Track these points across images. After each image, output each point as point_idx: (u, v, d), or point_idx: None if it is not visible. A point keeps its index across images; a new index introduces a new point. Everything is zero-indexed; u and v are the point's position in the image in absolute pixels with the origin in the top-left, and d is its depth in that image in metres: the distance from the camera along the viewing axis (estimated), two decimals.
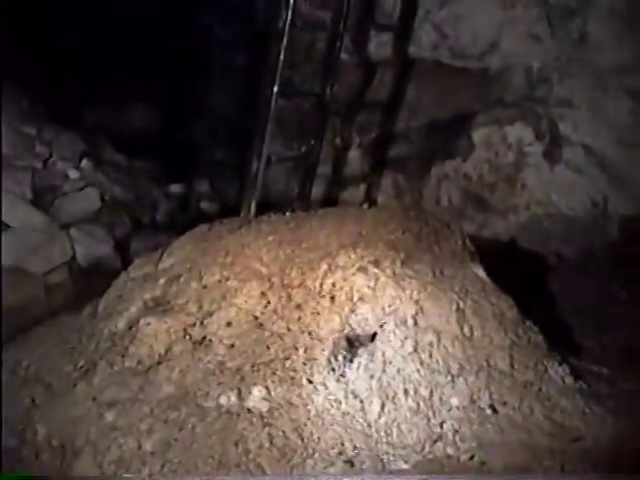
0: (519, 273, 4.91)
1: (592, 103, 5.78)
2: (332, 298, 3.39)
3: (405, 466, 2.84)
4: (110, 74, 10.01)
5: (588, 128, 5.80)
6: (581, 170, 5.81)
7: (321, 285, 3.44)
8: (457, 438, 2.94)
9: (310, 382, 3.11)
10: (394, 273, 3.41)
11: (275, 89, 4.31)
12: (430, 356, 3.17)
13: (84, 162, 6.51)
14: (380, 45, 6.22)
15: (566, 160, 5.83)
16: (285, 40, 4.23)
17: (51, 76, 8.90)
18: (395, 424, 2.99)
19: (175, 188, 7.18)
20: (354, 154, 6.35)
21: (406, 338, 3.20)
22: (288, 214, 4.18)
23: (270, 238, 3.78)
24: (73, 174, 6.16)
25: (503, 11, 5.88)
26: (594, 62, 5.76)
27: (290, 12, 4.18)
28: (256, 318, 3.41)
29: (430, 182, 6.02)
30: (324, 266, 3.49)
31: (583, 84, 5.81)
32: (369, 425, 2.99)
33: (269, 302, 3.45)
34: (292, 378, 3.12)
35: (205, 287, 3.60)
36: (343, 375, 3.12)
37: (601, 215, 5.75)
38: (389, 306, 3.31)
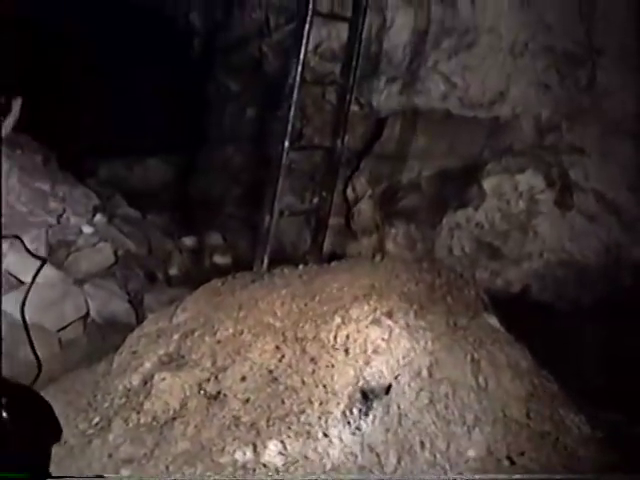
0: (533, 321, 4.88)
1: (602, 150, 5.80)
2: (346, 351, 3.38)
3: None
4: (124, 128, 10.15)
5: (599, 175, 5.80)
6: (593, 217, 5.80)
7: (335, 338, 3.43)
8: None
9: (326, 436, 3.09)
10: (408, 325, 3.41)
11: (286, 144, 4.33)
12: (446, 407, 3.15)
13: (98, 217, 6.54)
14: (390, 96, 6.27)
15: (578, 207, 5.83)
16: (295, 95, 4.26)
17: (64, 131, 9.03)
18: (412, 477, 2.96)
19: (188, 241, 7.20)
20: (366, 205, 6.37)
21: (421, 390, 3.19)
22: (301, 267, 4.18)
23: (283, 292, 3.78)
24: (87, 229, 6.19)
25: (511, 60, 5.93)
26: (603, 109, 5.78)
27: (300, 68, 4.21)
28: (270, 372, 3.39)
29: (442, 231, 6.02)
30: (337, 319, 3.49)
31: (593, 131, 5.83)
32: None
33: (283, 356, 3.44)
34: (307, 432, 3.10)
35: (219, 342, 3.59)
36: (359, 428, 3.11)
37: (614, 261, 5.73)
38: (403, 358, 3.30)
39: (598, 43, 5.76)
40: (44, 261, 4.97)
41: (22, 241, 5.10)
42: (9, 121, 5.21)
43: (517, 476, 2.79)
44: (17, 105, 6.16)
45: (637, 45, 5.60)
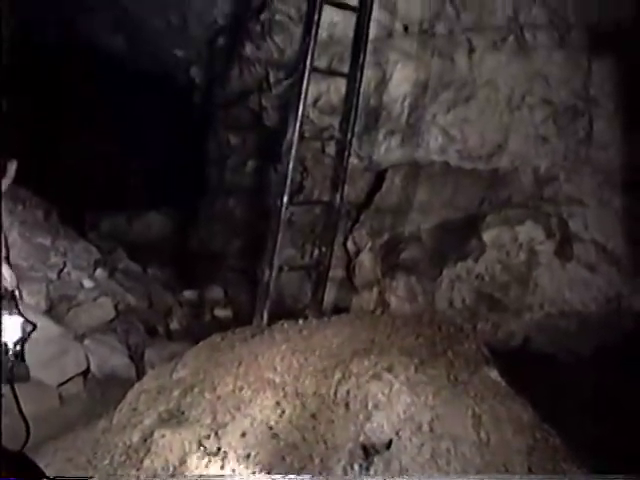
0: (535, 373, 4.86)
1: (601, 201, 5.82)
2: (346, 406, 3.36)
3: None
4: (125, 183, 10.22)
5: (598, 225, 5.82)
6: (593, 267, 5.80)
7: (335, 393, 3.41)
8: None
9: None
10: (408, 379, 3.39)
11: (285, 199, 4.35)
12: (447, 463, 3.12)
13: (98, 271, 6.56)
14: (389, 149, 6.31)
15: (578, 257, 5.83)
16: (294, 151, 4.29)
17: (65, 186, 9.08)
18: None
19: (189, 295, 7.21)
20: (366, 257, 6.37)
21: (422, 445, 3.16)
22: (301, 322, 4.17)
23: (283, 347, 3.77)
24: (87, 283, 6.20)
25: (509, 113, 5.98)
26: (600, 160, 5.81)
27: (298, 124, 4.25)
28: (271, 428, 3.37)
29: (443, 283, 6.01)
30: (338, 374, 3.47)
31: (591, 182, 5.85)
32: None
33: (283, 411, 3.42)
34: None
35: (219, 398, 3.57)
36: None
37: (615, 311, 5.72)
38: (404, 413, 3.28)
39: (595, 95, 5.80)
40: (34, 327, 4.95)
41: (16, 302, 5.08)
42: (4, 183, 5.25)
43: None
44: (12, 168, 6.22)
45: (632, 96, 5.64)
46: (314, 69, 4.43)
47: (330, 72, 5.96)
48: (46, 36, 9.39)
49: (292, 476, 2.97)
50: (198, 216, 8.93)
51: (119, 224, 9.57)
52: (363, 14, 4.80)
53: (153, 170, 10.48)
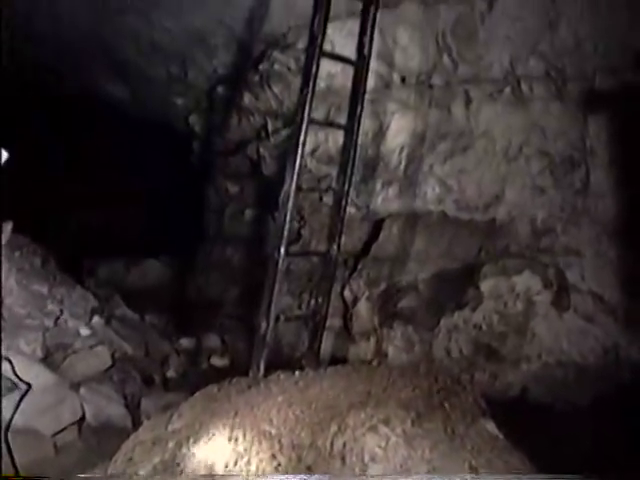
0: (532, 424, 4.84)
1: (597, 251, 5.82)
2: (343, 459, 3.34)
3: None
4: (123, 229, 10.24)
5: (595, 276, 5.81)
6: (590, 317, 5.78)
7: (331, 445, 3.40)
8: None
9: None
10: (405, 432, 3.38)
11: (282, 250, 4.35)
12: None
13: (95, 319, 6.54)
14: (386, 199, 6.34)
15: (575, 308, 5.82)
16: (291, 202, 4.30)
17: (63, 233, 9.10)
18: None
19: (186, 343, 7.19)
20: (363, 307, 6.36)
21: None
22: (297, 373, 4.17)
23: (279, 398, 3.76)
24: (84, 331, 6.18)
25: (506, 164, 6.01)
26: (597, 211, 5.83)
27: (295, 176, 4.27)
28: None
29: (440, 333, 6.00)
30: (334, 426, 3.46)
31: (588, 233, 5.86)
32: None
33: (279, 464, 3.40)
34: None
35: (215, 449, 3.56)
36: None
37: (613, 362, 5.70)
38: (401, 466, 3.26)
39: (592, 146, 5.83)
40: (29, 386, 4.95)
41: (11, 363, 5.08)
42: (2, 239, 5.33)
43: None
44: (8, 229, 6.28)
45: (628, 147, 5.68)
46: (311, 121, 4.45)
47: (328, 124, 6.02)
48: (45, 84, 9.47)
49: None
50: (196, 263, 8.94)
51: (117, 271, 9.56)
52: (361, 66, 4.83)
53: (151, 217, 10.52)
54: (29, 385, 4.97)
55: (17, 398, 4.86)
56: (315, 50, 4.37)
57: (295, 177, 4.28)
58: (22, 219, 6.69)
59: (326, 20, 4.42)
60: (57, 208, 10.39)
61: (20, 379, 4.99)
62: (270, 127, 7.16)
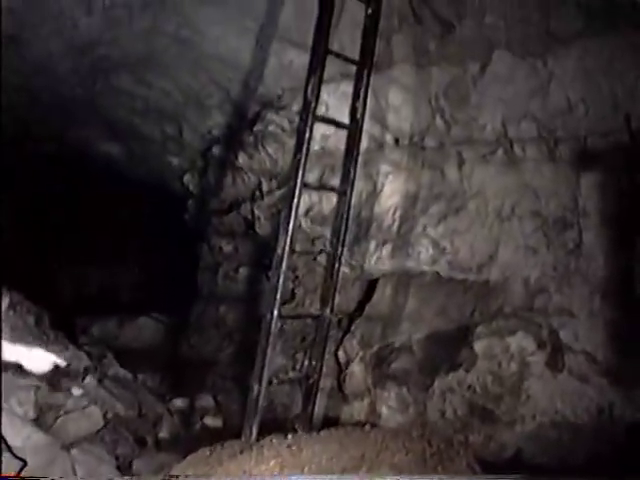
0: None
1: (591, 311, 5.82)
2: None
3: None
4: (117, 287, 10.24)
5: (589, 336, 5.81)
6: (585, 378, 5.78)
7: None
8: None
9: None
10: None
11: (275, 313, 4.35)
12: None
13: (88, 379, 6.51)
14: (380, 259, 6.35)
15: (569, 368, 5.82)
16: (284, 265, 4.31)
17: (57, 290, 9.10)
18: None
19: (179, 403, 7.15)
20: (357, 367, 6.35)
21: None
22: (290, 436, 4.14)
23: (272, 463, 3.74)
24: (76, 391, 6.15)
25: (499, 225, 6.04)
26: (590, 271, 5.84)
27: (289, 240, 4.29)
28: None
29: (434, 394, 5.98)
30: None
31: (581, 293, 5.87)
32: None
33: None
34: None
35: None
36: None
37: (608, 422, 5.68)
38: None
39: (584, 207, 5.87)
40: (25, 463, 4.91)
41: (6, 442, 5.05)
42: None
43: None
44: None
45: (621, 208, 5.72)
46: (305, 185, 4.49)
47: (321, 187, 6.07)
48: (39, 142, 9.52)
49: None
50: (190, 322, 8.92)
51: (110, 329, 9.53)
52: (354, 130, 4.87)
53: (145, 275, 10.53)
54: (25, 462, 4.93)
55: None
56: (309, 115, 4.42)
57: (288, 240, 4.29)
58: (17, 277, 6.70)
59: (320, 85, 4.47)
60: (51, 266, 10.40)
61: (15, 456, 4.96)
62: (264, 187, 7.20)
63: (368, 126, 5.61)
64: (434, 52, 5.77)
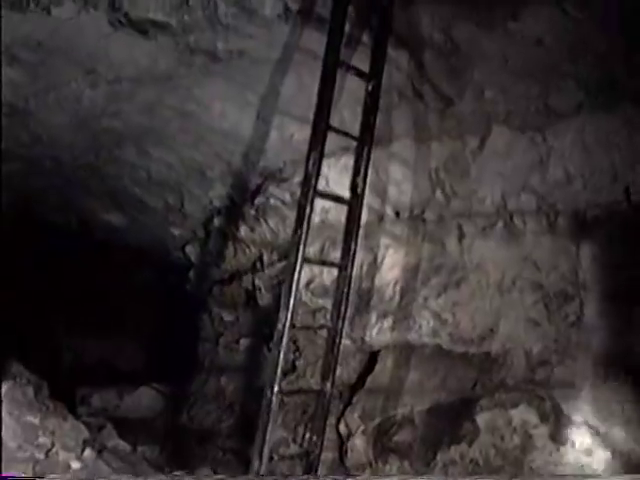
0: None
1: (593, 383, 5.81)
2: None
3: None
4: (117, 357, 10.21)
5: (591, 408, 5.80)
6: (588, 450, 5.75)
7: None
8: None
9: None
10: None
11: (275, 388, 4.33)
12: None
13: (87, 451, 6.45)
14: (381, 331, 6.36)
15: (572, 441, 5.78)
16: (285, 340, 4.30)
17: (56, 361, 9.07)
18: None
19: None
20: (358, 440, 6.32)
21: None
22: None
23: None
24: (75, 464, 6.08)
25: (500, 297, 6.05)
26: (592, 343, 5.85)
27: (290, 315, 4.29)
28: None
29: (436, 468, 5.94)
30: None
31: (583, 365, 5.87)
32: None
33: None
34: None
35: None
36: None
37: None
38: None
39: (584, 279, 5.89)
40: None
41: None
42: None
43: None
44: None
45: (621, 279, 5.74)
46: (306, 259, 4.50)
47: (322, 262, 6.10)
48: (41, 212, 9.58)
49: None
50: (190, 393, 8.87)
51: (110, 399, 9.47)
52: (355, 205, 4.90)
53: (146, 344, 10.50)
54: None
55: None
56: (309, 191, 4.44)
57: (289, 316, 4.29)
58: (17, 348, 6.69)
59: (320, 161, 4.50)
60: (51, 335, 10.39)
61: None
62: (265, 259, 7.24)
63: (369, 199, 5.65)
64: (434, 126, 5.83)
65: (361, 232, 5.18)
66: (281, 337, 4.30)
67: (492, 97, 5.52)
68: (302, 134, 5.70)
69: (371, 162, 5.07)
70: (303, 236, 4.39)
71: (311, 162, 4.49)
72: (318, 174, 4.50)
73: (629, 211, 5.64)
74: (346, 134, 4.92)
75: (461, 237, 6.12)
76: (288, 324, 4.29)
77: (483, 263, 6.09)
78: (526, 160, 5.78)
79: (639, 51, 4.86)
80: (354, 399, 6.53)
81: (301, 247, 4.38)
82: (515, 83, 5.38)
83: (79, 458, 6.22)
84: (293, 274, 4.34)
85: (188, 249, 8.79)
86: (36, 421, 6.42)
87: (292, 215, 5.85)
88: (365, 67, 4.98)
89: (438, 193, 6.10)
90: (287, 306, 4.31)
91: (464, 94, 5.54)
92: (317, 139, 4.52)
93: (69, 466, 6.04)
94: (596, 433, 5.76)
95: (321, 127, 4.53)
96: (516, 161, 5.82)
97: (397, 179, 6.20)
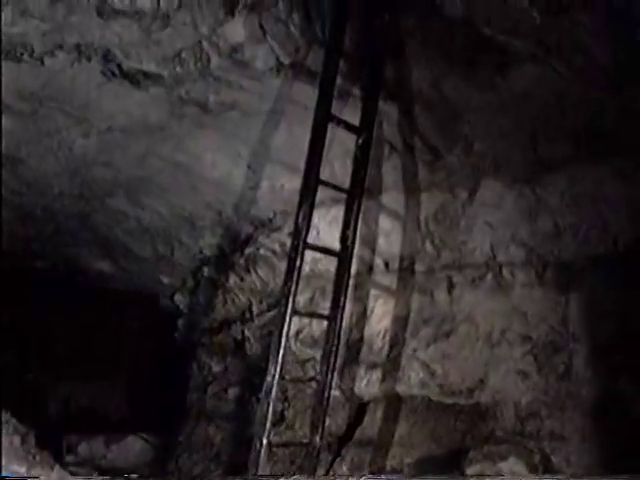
0: None
1: (583, 436, 5.79)
2: None
3: None
4: (104, 405, 10.13)
5: (581, 460, 5.77)
6: None
7: None
8: None
9: None
10: None
11: (264, 441, 4.32)
12: None
13: None
14: (370, 383, 6.35)
15: None
16: (273, 393, 4.30)
17: (43, 408, 9.00)
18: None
19: None
20: None
21: None
22: None
23: None
24: None
25: (489, 349, 6.04)
26: (581, 395, 5.83)
27: (279, 367, 4.29)
28: None
29: None
30: None
31: (572, 417, 5.84)
32: None
33: None
34: None
35: None
36: None
37: None
38: None
39: (574, 331, 5.89)
40: None
41: None
42: None
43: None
44: None
45: (610, 331, 5.75)
46: (295, 312, 4.51)
47: (311, 314, 6.11)
48: (29, 259, 9.55)
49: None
50: (178, 442, 8.80)
51: (97, 447, 9.39)
52: (344, 257, 4.93)
53: (133, 393, 10.43)
54: None
55: None
56: (299, 243, 4.47)
57: (279, 368, 4.29)
58: (4, 395, 6.62)
59: (311, 214, 4.54)
60: (38, 383, 10.31)
61: None
62: (255, 309, 7.23)
63: (358, 250, 5.69)
64: (424, 179, 5.88)
65: (351, 282, 5.21)
66: (270, 389, 4.30)
67: (481, 150, 5.58)
68: (292, 184, 5.75)
69: (361, 213, 5.10)
70: (293, 288, 4.41)
71: (301, 215, 4.53)
72: (308, 227, 4.54)
73: (618, 262, 5.66)
74: (336, 188, 4.97)
75: (450, 288, 6.14)
76: (277, 377, 4.29)
77: (472, 314, 6.09)
78: (515, 212, 5.82)
79: (628, 104, 4.91)
80: (343, 451, 6.47)
81: (291, 299, 4.40)
82: (504, 136, 5.43)
83: None
84: (282, 326, 4.35)
85: (177, 297, 8.78)
86: (22, 470, 6.35)
87: (282, 265, 5.89)
88: (356, 119, 5.04)
89: (428, 244, 6.13)
90: (276, 358, 4.31)
91: (453, 147, 5.60)
92: (307, 193, 4.57)
93: None
94: None
95: (311, 181, 4.58)
96: (505, 213, 5.85)
97: (387, 230, 6.23)
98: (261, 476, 4.39)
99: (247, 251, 7.00)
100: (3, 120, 5.49)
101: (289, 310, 4.37)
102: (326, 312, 5.10)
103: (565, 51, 4.55)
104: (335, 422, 6.49)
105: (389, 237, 6.25)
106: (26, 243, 9.13)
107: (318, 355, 5.64)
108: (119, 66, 5.01)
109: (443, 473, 6.03)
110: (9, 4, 4.30)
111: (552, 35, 4.45)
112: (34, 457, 6.79)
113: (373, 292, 6.30)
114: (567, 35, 4.42)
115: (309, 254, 5.61)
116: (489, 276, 6.05)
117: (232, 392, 8.14)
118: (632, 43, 4.31)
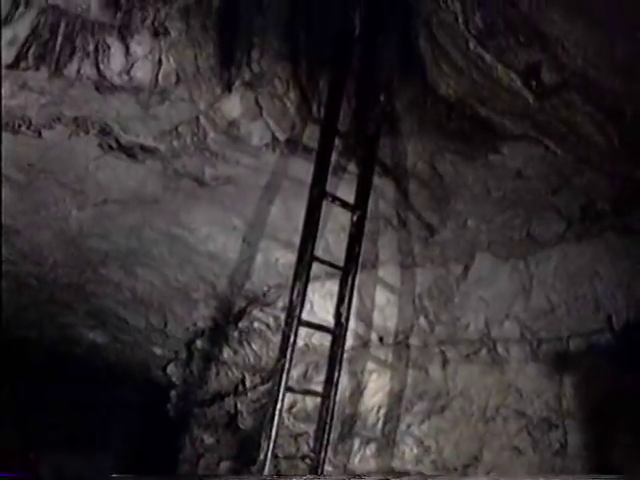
0: None
1: None
2: None
3: None
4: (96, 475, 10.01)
5: None
6: None
7: None
8: None
9: None
10: None
11: None
12: None
13: None
14: (364, 458, 6.29)
15: None
16: (267, 469, 4.25)
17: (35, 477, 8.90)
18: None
19: None
20: None
21: None
22: None
23: None
24: None
25: (483, 424, 6.01)
26: (576, 471, 5.78)
27: (272, 445, 4.25)
28: None
29: None
30: None
31: None
32: None
33: None
34: None
35: None
36: None
37: None
38: None
39: (568, 407, 5.87)
40: None
41: None
42: None
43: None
44: None
45: (601, 408, 5.73)
46: (289, 389, 4.49)
47: (305, 392, 6.08)
48: (23, 331, 9.52)
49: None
50: None
51: None
52: (339, 333, 4.92)
53: (125, 464, 10.32)
54: None
55: None
56: (293, 320, 4.47)
57: (272, 445, 4.26)
58: None
59: (305, 291, 4.54)
60: (29, 452, 10.20)
61: None
62: (248, 382, 7.20)
63: (353, 325, 5.68)
64: (418, 254, 5.91)
65: (345, 356, 5.19)
66: (263, 467, 4.25)
67: (475, 226, 5.61)
68: (287, 258, 5.77)
69: (356, 287, 5.11)
70: (287, 365, 4.39)
71: (295, 292, 4.53)
72: (302, 304, 4.54)
73: (612, 340, 5.66)
74: (331, 265, 4.99)
75: (445, 364, 6.13)
76: (270, 454, 4.25)
77: (466, 390, 6.07)
78: (509, 288, 5.84)
79: (622, 183, 4.95)
80: None
81: (284, 376, 4.37)
82: (497, 213, 5.47)
83: None
84: (276, 403, 4.32)
85: (170, 369, 8.73)
86: None
87: (275, 339, 5.88)
88: (351, 194, 5.07)
89: (422, 319, 6.14)
90: (269, 434, 4.28)
91: (447, 223, 5.64)
92: (302, 269, 4.57)
93: None
94: None
95: (306, 257, 4.59)
96: (499, 288, 5.87)
97: (381, 304, 6.23)
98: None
99: (241, 324, 6.99)
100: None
101: (282, 387, 4.34)
102: (320, 387, 5.07)
103: (558, 131, 4.59)
104: None
105: (383, 311, 6.25)
106: (17, 312, 9.10)
107: (311, 430, 5.61)
108: (116, 139, 5.06)
109: None
110: (9, 77, 4.35)
111: (545, 115, 4.49)
112: None
113: (367, 367, 6.29)
114: (560, 115, 4.47)
115: (303, 328, 5.62)
116: (483, 351, 6.05)
117: (224, 466, 8.06)
118: (623, 122, 4.35)
